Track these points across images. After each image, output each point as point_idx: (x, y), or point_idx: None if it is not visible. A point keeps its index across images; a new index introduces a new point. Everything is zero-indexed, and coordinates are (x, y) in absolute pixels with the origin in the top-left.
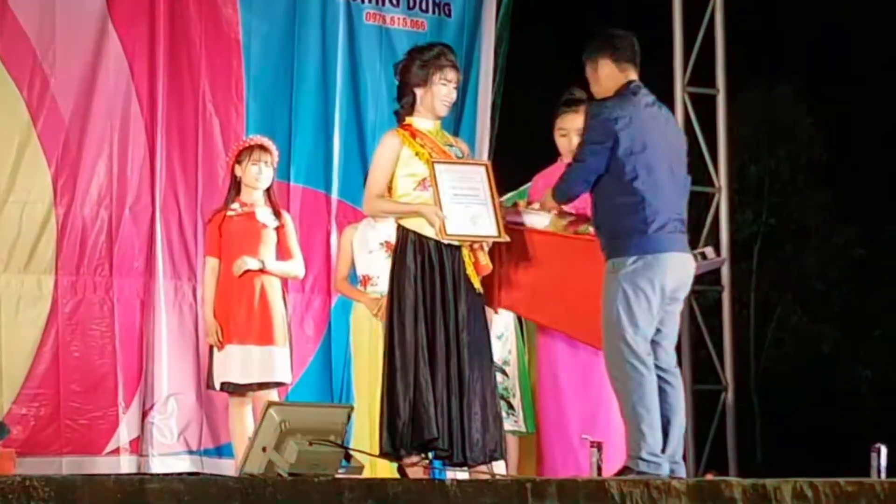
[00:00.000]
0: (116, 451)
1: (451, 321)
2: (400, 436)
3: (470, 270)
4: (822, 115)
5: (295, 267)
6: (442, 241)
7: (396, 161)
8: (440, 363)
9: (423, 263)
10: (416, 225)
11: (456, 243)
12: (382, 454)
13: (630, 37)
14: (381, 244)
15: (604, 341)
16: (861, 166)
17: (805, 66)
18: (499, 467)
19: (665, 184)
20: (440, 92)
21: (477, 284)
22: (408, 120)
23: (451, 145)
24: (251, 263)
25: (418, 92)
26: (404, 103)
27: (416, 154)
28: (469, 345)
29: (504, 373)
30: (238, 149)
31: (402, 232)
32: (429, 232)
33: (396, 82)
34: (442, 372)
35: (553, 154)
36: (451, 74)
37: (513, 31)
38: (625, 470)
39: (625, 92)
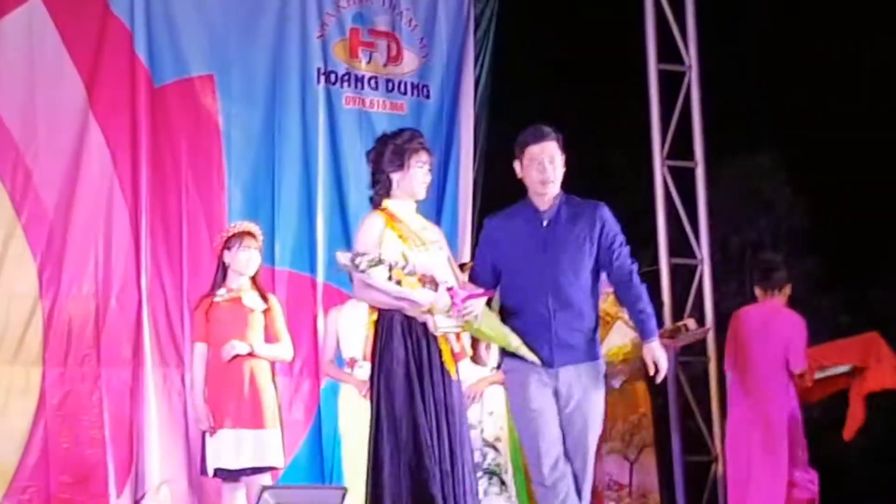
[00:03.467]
0: None
1: (440, 404)
2: None
3: (447, 358)
4: (801, 184)
5: (283, 350)
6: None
7: (381, 242)
8: (435, 445)
9: (411, 345)
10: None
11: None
12: None
13: None
14: (367, 326)
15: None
16: (842, 233)
17: (781, 136)
18: None
19: None
20: (418, 175)
21: (453, 371)
22: (384, 204)
23: (425, 228)
24: (240, 348)
25: (395, 177)
26: (379, 189)
27: (399, 237)
28: (455, 426)
29: (496, 449)
30: (227, 235)
31: (389, 312)
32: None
33: (370, 170)
34: (435, 453)
35: None
36: (425, 157)
37: (492, 110)
38: None
39: None
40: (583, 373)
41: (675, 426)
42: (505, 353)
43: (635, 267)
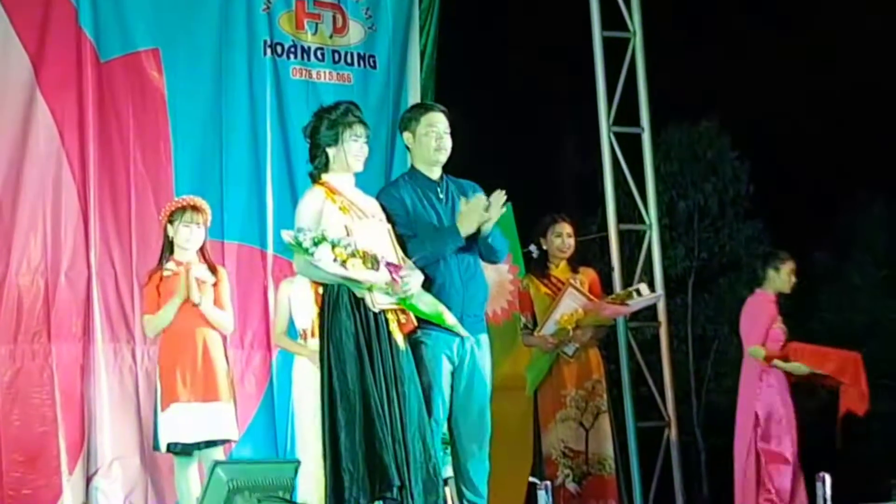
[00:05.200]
0: None
1: (389, 372)
2: (350, 489)
3: (393, 327)
4: (746, 149)
5: (226, 319)
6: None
7: (321, 216)
8: (385, 414)
9: (359, 316)
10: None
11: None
12: None
13: None
14: (313, 299)
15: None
16: (786, 197)
17: (725, 103)
18: None
19: None
20: (352, 148)
21: (401, 342)
22: (323, 178)
23: (365, 201)
24: (195, 295)
25: (330, 151)
26: (317, 163)
27: (341, 209)
28: (405, 396)
29: None
30: (170, 209)
31: (336, 286)
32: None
33: (307, 144)
34: (387, 421)
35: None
36: (360, 130)
37: (439, 80)
38: None
39: None
40: (482, 342)
41: (627, 392)
42: (421, 320)
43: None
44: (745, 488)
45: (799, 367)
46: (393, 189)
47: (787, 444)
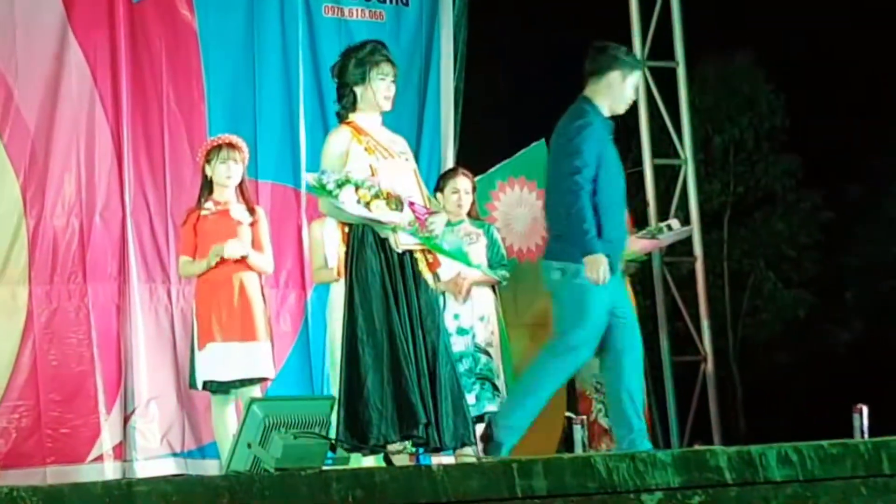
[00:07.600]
0: (100, 458)
1: (415, 311)
2: (378, 426)
3: (422, 266)
4: (782, 82)
5: (266, 262)
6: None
7: (347, 156)
8: (411, 352)
9: (384, 256)
10: None
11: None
12: (345, 446)
13: None
14: (340, 239)
15: None
16: (821, 130)
17: (762, 34)
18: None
19: None
20: (380, 87)
21: (429, 280)
22: (350, 117)
23: (392, 141)
24: (240, 249)
25: (358, 90)
26: (345, 103)
27: (366, 150)
28: (432, 333)
29: (488, 354)
30: (207, 148)
31: (361, 225)
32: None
33: (335, 84)
34: (412, 360)
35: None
36: (387, 69)
37: (472, 15)
38: None
39: None
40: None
41: (662, 326)
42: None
43: None
44: None
45: None
46: (593, 115)
47: None
